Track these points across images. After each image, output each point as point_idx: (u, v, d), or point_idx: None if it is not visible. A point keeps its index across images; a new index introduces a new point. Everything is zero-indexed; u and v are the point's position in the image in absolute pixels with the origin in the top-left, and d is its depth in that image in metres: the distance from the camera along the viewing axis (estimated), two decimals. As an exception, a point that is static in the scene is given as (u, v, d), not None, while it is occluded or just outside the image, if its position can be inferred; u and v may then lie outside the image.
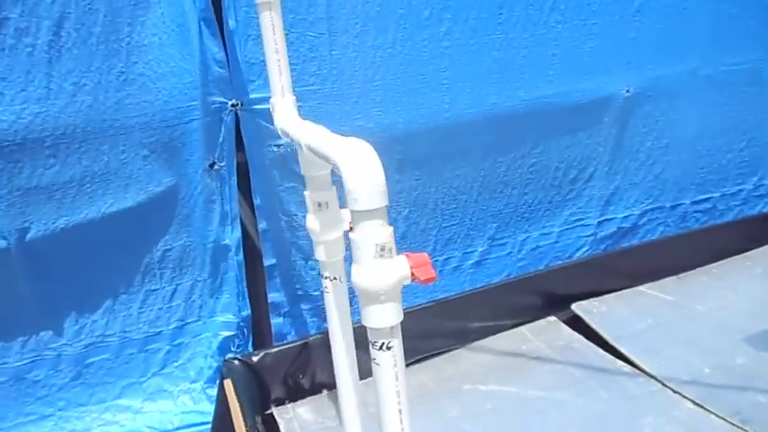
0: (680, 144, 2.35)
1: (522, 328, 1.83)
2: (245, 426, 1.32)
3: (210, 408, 1.74)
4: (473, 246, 2.13)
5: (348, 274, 1.13)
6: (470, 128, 1.96)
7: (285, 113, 1.18)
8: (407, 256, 0.77)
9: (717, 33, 2.22)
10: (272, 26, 1.13)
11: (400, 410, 0.81)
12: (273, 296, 1.83)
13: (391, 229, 0.75)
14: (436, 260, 2.10)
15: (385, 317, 0.77)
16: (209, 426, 1.65)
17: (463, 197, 2.05)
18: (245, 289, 1.75)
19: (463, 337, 1.76)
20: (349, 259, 1.10)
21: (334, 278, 1.08)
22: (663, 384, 1.56)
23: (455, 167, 2.00)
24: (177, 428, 1.69)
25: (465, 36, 1.86)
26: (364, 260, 0.75)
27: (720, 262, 2.11)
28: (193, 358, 1.79)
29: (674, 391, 1.53)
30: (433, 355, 1.75)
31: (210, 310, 1.77)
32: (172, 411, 1.73)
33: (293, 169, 1.74)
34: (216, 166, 1.63)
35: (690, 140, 2.36)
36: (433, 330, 1.74)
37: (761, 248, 2.17)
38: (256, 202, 1.72)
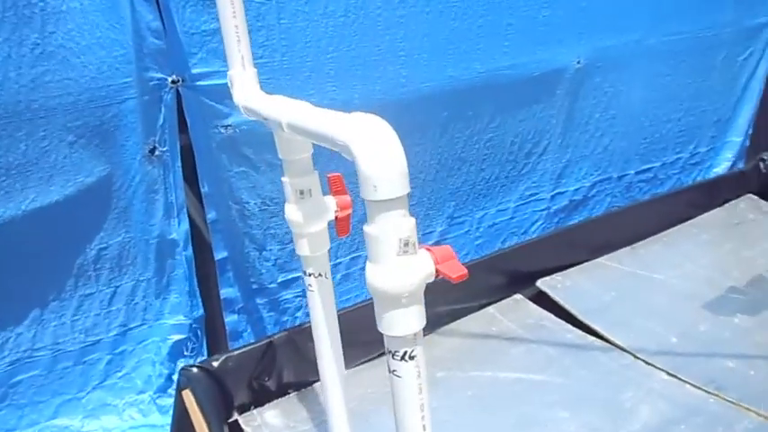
0: (625, 115, 2.37)
1: (490, 309, 1.78)
2: (213, 441, 1.18)
3: (162, 419, 1.58)
4: (432, 226, 2.05)
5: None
6: (428, 102, 1.86)
7: (247, 88, 1.03)
8: (429, 250, 0.66)
9: (662, 3, 2.23)
10: (227, -14, 0.97)
11: (424, 426, 0.71)
12: (226, 292, 1.67)
13: (414, 220, 0.64)
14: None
15: (408, 323, 0.66)
16: (165, 440, 1.49)
17: (422, 176, 1.96)
18: (197, 286, 1.58)
19: (433, 322, 1.68)
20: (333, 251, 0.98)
21: (319, 274, 0.96)
22: (635, 357, 1.57)
23: (413, 144, 1.90)
24: (127, 445, 1.52)
25: (420, 4, 1.75)
26: (385, 258, 0.63)
27: (668, 231, 2.16)
28: (139, 366, 1.61)
29: (647, 363, 1.54)
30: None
31: (157, 312, 1.59)
32: (118, 427, 1.55)
33: (243, 152, 1.58)
34: (157, 152, 1.44)
35: (634, 111, 2.39)
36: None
37: (704, 215, 2.24)
38: (204, 189, 1.55)
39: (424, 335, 1.67)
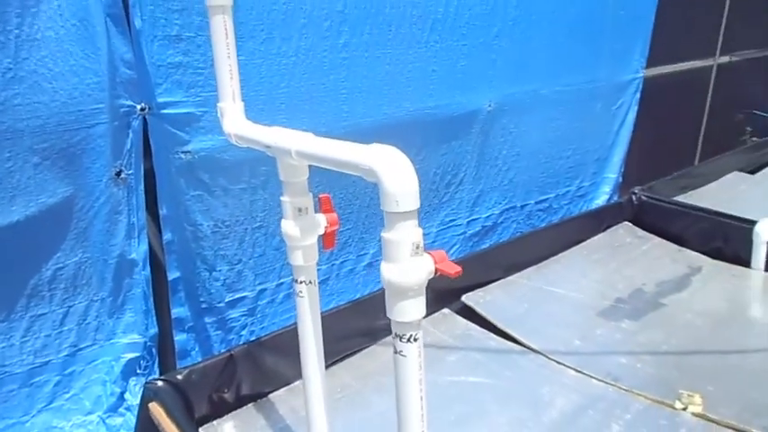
0: (527, 152, 2.72)
1: (423, 322, 1.96)
2: (192, 446, 1.25)
3: (113, 439, 1.59)
4: (366, 248, 2.23)
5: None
6: (365, 135, 1.99)
7: (236, 119, 1.16)
8: (429, 253, 0.84)
9: (553, 61, 2.62)
10: (224, 30, 1.11)
11: (421, 397, 0.88)
12: (177, 311, 1.73)
13: (421, 229, 0.82)
14: (333, 264, 2.17)
15: (415, 311, 0.83)
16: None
17: (357, 201, 2.14)
18: (153, 306, 1.63)
19: (375, 335, 1.85)
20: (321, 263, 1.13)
21: (309, 282, 1.09)
22: (548, 358, 1.82)
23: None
24: (78, 467, 1.52)
25: (360, 49, 1.96)
26: (401, 259, 0.80)
27: (565, 252, 2.49)
28: (88, 387, 1.61)
29: (558, 363, 1.80)
30: (348, 355, 1.81)
31: (109, 331, 1.62)
32: (66, 450, 1.54)
33: (199, 177, 1.68)
34: (123, 174, 1.50)
35: (533, 149, 2.75)
36: (348, 331, 1.80)
37: (592, 239, 2.61)
38: (162, 212, 1.62)
39: (369, 347, 1.83)
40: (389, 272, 0.81)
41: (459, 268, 0.83)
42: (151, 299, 1.63)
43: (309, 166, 1.07)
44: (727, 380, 1.66)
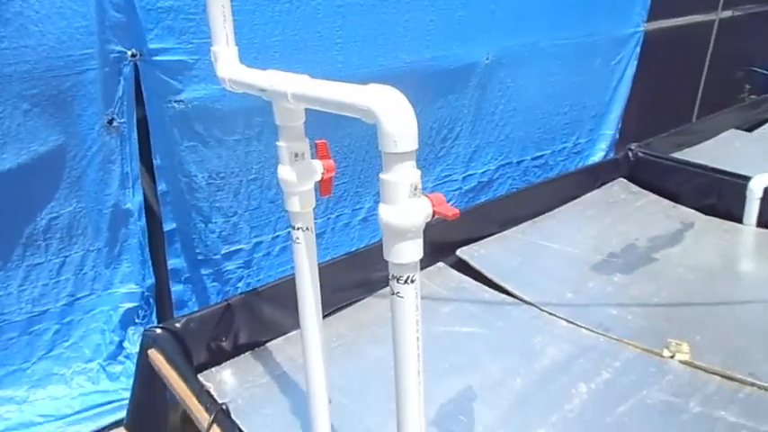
0: (524, 107, 2.69)
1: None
2: (192, 390, 1.27)
3: (113, 386, 1.62)
4: (361, 203, 2.23)
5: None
6: None
7: (230, 63, 1.13)
8: (427, 196, 0.84)
9: (553, 12, 2.57)
10: (217, -29, 1.07)
11: (418, 338, 0.89)
12: (173, 262, 1.74)
13: (419, 171, 0.82)
14: (329, 218, 2.17)
15: (412, 252, 0.83)
16: (123, 403, 1.53)
17: (353, 155, 2.13)
18: (149, 256, 1.63)
19: (370, 287, 1.87)
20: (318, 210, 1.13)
21: (306, 228, 1.09)
22: (540, 309, 1.85)
23: (347, 126, 2.06)
24: (79, 412, 1.54)
25: (356, -4, 1.91)
26: (399, 200, 0.80)
27: (560, 208, 2.50)
28: (87, 335, 1.63)
29: (550, 314, 1.83)
30: (344, 306, 1.82)
31: (107, 281, 1.62)
32: (68, 395, 1.57)
33: (193, 127, 1.66)
34: (115, 123, 1.48)
35: (530, 104, 2.72)
36: (344, 283, 1.81)
37: (587, 195, 2.61)
38: (156, 162, 1.60)
39: (364, 299, 1.85)
40: (387, 213, 0.81)
41: (456, 210, 0.83)
42: (147, 249, 1.63)
43: (306, 112, 1.06)
44: (714, 330, 1.69)
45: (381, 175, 0.81)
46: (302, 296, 1.14)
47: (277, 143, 1.04)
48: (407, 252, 0.83)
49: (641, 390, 1.47)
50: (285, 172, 1.04)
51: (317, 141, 1.08)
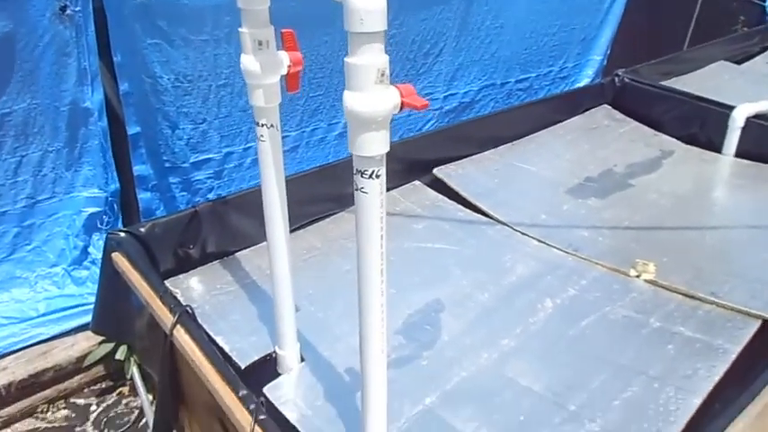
0: (511, 25, 2.59)
1: (393, 192, 1.96)
2: (156, 292, 1.24)
3: (78, 290, 1.59)
4: (337, 117, 2.16)
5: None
6: None
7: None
8: (396, 86, 0.79)
9: None
10: None
11: (382, 236, 0.86)
12: (139, 169, 1.68)
13: (387, 56, 0.76)
14: (303, 131, 2.10)
15: (378, 145, 0.79)
16: (89, 308, 1.51)
17: (330, 65, 2.04)
18: (113, 160, 1.56)
19: (344, 203, 1.83)
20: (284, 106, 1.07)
21: (271, 125, 1.04)
22: (513, 229, 1.84)
23: (324, 33, 1.96)
24: (44, 315, 1.52)
25: None
26: (365, 86, 0.74)
27: (540, 132, 2.45)
28: (50, 240, 1.59)
29: (522, 234, 1.82)
30: (316, 220, 1.80)
31: (68, 184, 1.56)
32: (32, 299, 1.54)
33: (157, 24, 1.55)
34: (68, 11, 1.37)
35: (518, 22, 2.62)
36: (316, 196, 1.78)
37: (568, 121, 2.56)
38: (116, 59, 1.51)
39: (337, 213, 1.81)
40: (352, 100, 0.76)
41: (426, 102, 0.78)
42: (110, 153, 1.57)
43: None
44: (682, 252, 1.70)
45: (346, 59, 0.76)
46: (267, 198, 1.10)
47: (239, 29, 0.97)
48: (373, 144, 0.79)
49: (605, 306, 1.49)
50: (248, 61, 0.97)
51: (283, 30, 1.01)
